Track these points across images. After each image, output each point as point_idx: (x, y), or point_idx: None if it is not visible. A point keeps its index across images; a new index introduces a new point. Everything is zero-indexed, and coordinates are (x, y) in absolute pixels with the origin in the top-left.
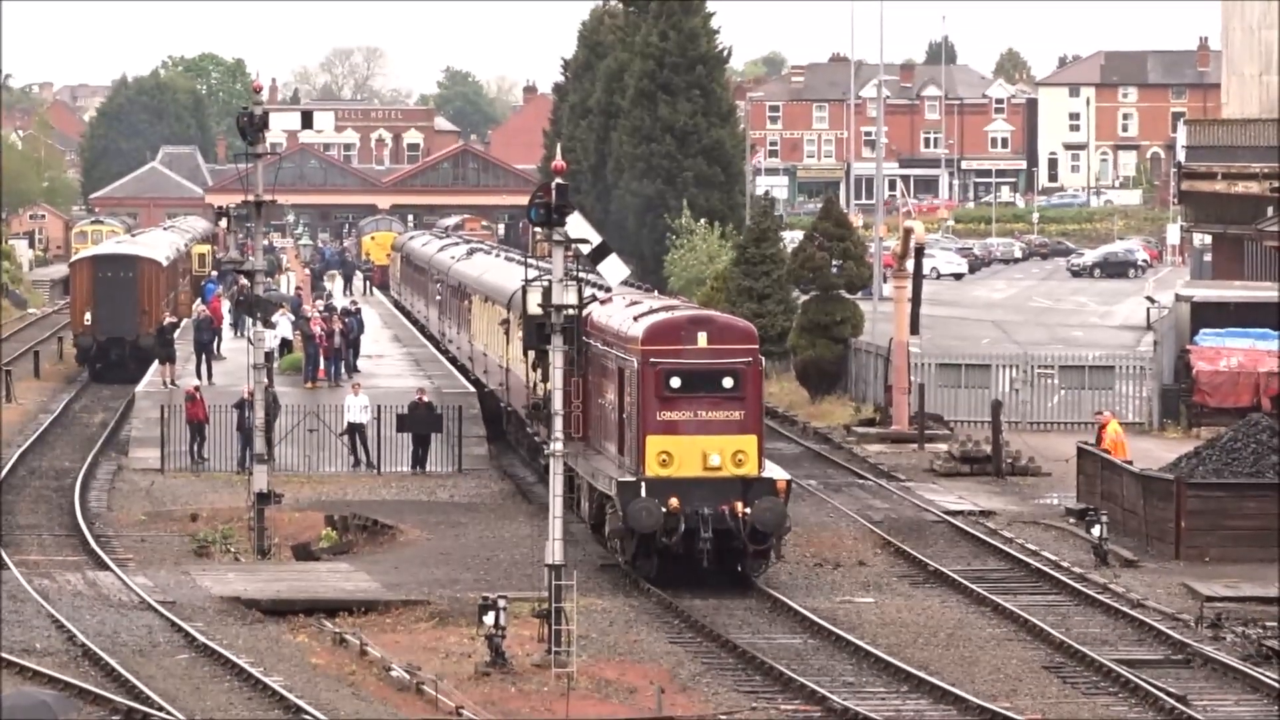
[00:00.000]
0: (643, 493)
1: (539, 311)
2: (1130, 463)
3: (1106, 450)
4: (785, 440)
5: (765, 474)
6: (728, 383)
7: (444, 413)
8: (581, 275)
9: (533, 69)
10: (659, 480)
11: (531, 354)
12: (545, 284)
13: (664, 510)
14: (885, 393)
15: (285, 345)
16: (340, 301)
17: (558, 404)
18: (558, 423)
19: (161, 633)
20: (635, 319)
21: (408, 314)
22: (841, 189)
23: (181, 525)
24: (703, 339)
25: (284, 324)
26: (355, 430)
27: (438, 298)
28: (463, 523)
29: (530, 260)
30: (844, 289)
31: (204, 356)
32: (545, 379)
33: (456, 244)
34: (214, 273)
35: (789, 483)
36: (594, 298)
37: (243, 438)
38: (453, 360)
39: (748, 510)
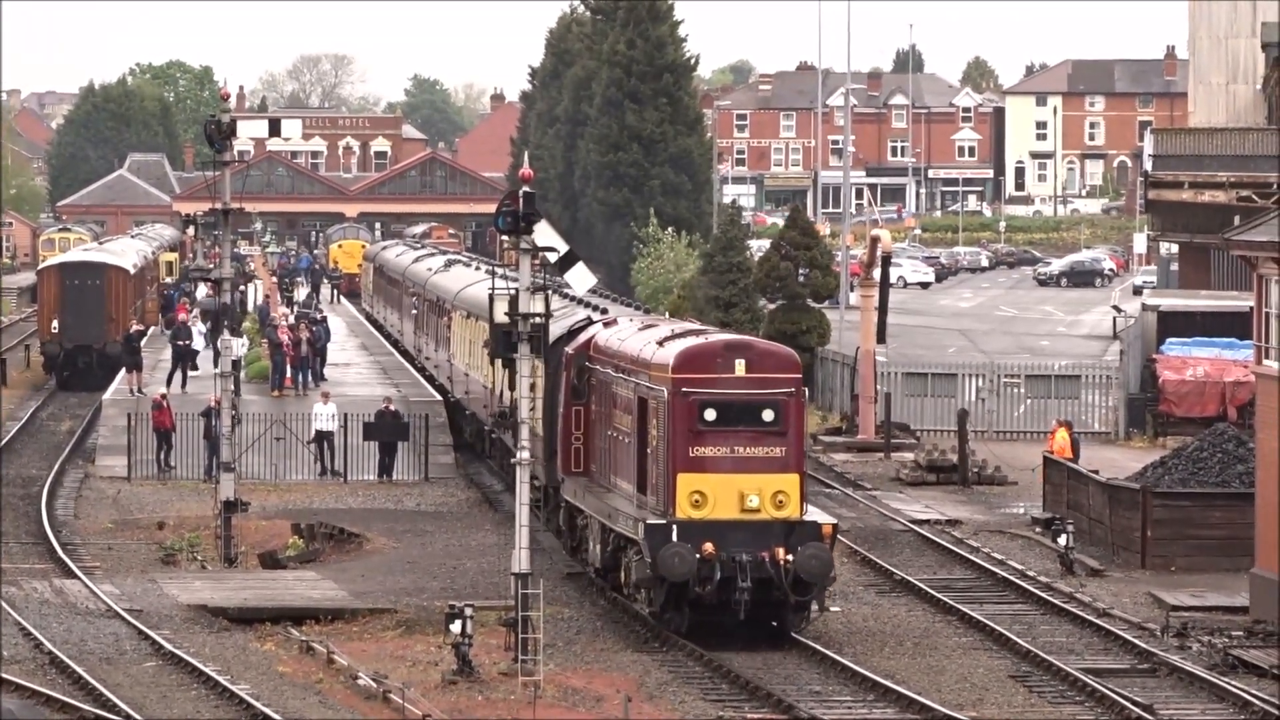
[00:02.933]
0: (674, 537)
1: (505, 320)
2: (1095, 471)
3: (1065, 456)
4: None
5: (808, 517)
6: (768, 415)
7: (410, 421)
8: (576, 296)
9: (500, 77)
10: (691, 523)
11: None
12: (511, 292)
13: (698, 556)
14: (852, 401)
15: (323, 440)
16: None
17: (524, 412)
18: (524, 431)
19: (128, 641)
20: (660, 343)
21: (380, 327)
22: (809, 197)
23: (148, 533)
24: (740, 367)
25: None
26: (323, 438)
27: (413, 311)
28: (429, 531)
29: (505, 271)
30: (810, 298)
31: (182, 364)
32: (512, 386)
33: (433, 254)
34: (170, 279)
35: (835, 527)
36: (590, 319)
37: (209, 446)
38: (422, 371)
39: (790, 557)
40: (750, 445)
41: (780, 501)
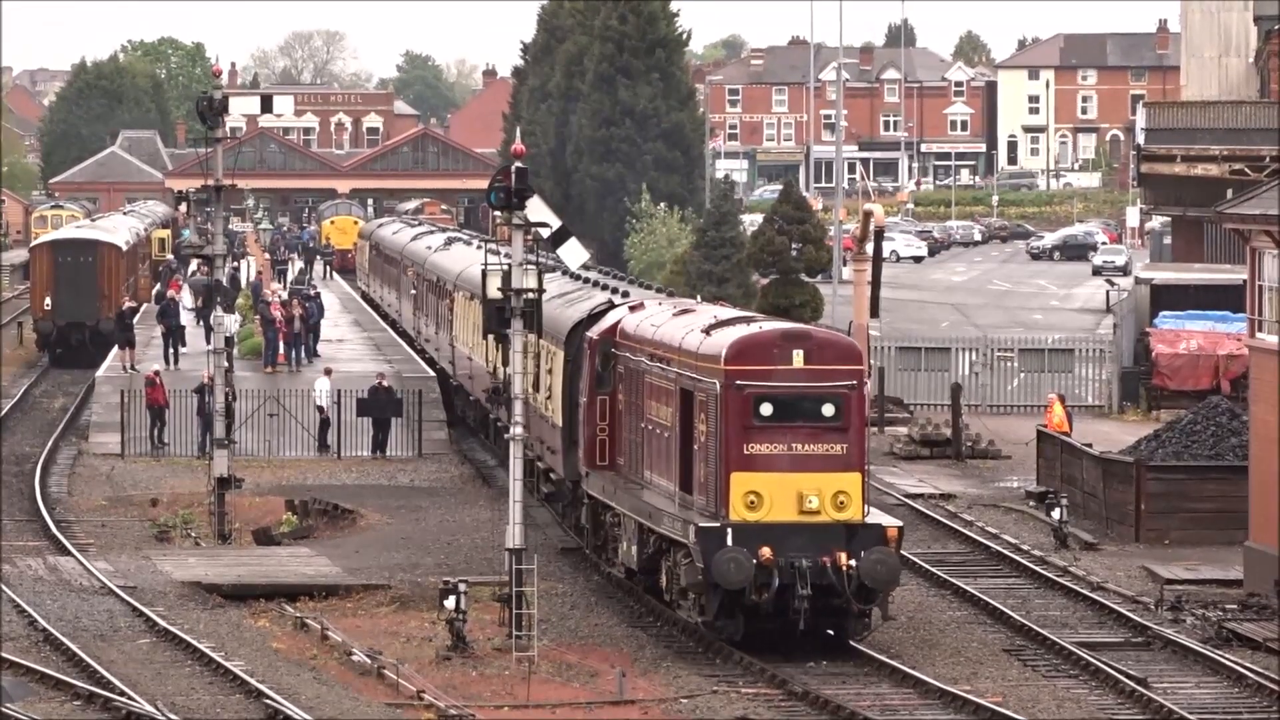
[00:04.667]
0: (729, 541)
1: (498, 295)
2: (1088, 445)
3: (1061, 430)
4: None
5: (871, 519)
6: (828, 410)
7: (404, 397)
8: (594, 279)
9: (492, 53)
10: (747, 526)
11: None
12: (505, 267)
13: (754, 562)
14: None
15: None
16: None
17: (517, 388)
18: (518, 406)
19: (123, 617)
20: (706, 331)
21: (376, 307)
22: (801, 172)
23: (142, 510)
24: (799, 358)
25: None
26: (324, 416)
27: (412, 291)
28: (423, 507)
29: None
30: (804, 273)
31: (172, 340)
32: (505, 363)
33: (432, 232)
34: (172, 256)
35: (900, 530)
36: (611, 303)
37: (203, 422)
38: (421, 354)
39: (853, 562)
40: (809, 442)
41: (841, 502)
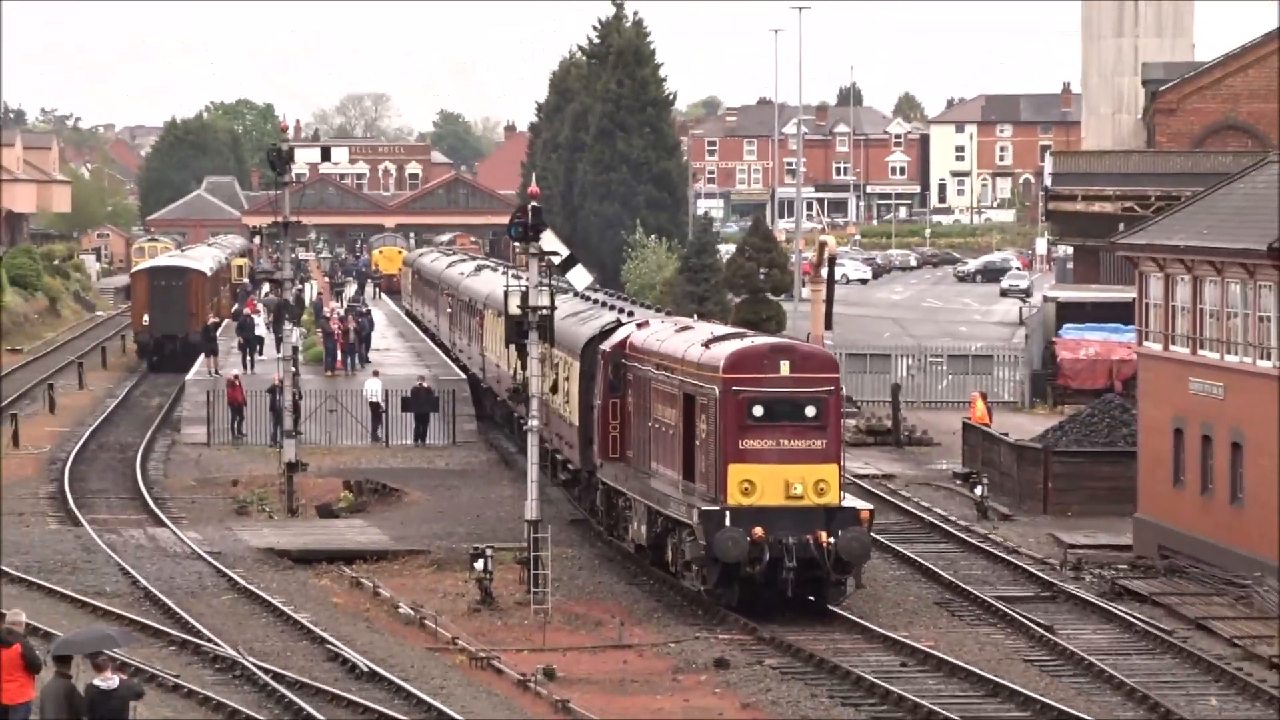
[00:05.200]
0: (727, 522)
1: (517, 312)
2: (1005, 434)
3: (983, 423)
4: None
5: (847, 503)
6: (810, 412)
7: (441, 396)
8: (605, 301)
9: (512, 111)
10: (743, 509)
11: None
12: (523, 289)
13: (749, 540)
14: None
15: (375, 410)
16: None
17: (534, 388)
18: (534, 403)
19: (209, 578)
20: (705, 345)
21: (418, 322)
22: (767, 209)
23: (224, 489)
24: (785, 367)
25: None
26: (374, 408)
27: (448, 310)
28: (456, 486)
29: (536, 275)
30: (770, 292)
31: (248, 349)
32: (524, 367)
33: (464, 260)
34: (247, 280)
35: (871, 512)
36: (619, 321)
37: (274, 417)
38: (455, 362)
39: (832, 540)
40: (794, 438)
41: (821, 489)
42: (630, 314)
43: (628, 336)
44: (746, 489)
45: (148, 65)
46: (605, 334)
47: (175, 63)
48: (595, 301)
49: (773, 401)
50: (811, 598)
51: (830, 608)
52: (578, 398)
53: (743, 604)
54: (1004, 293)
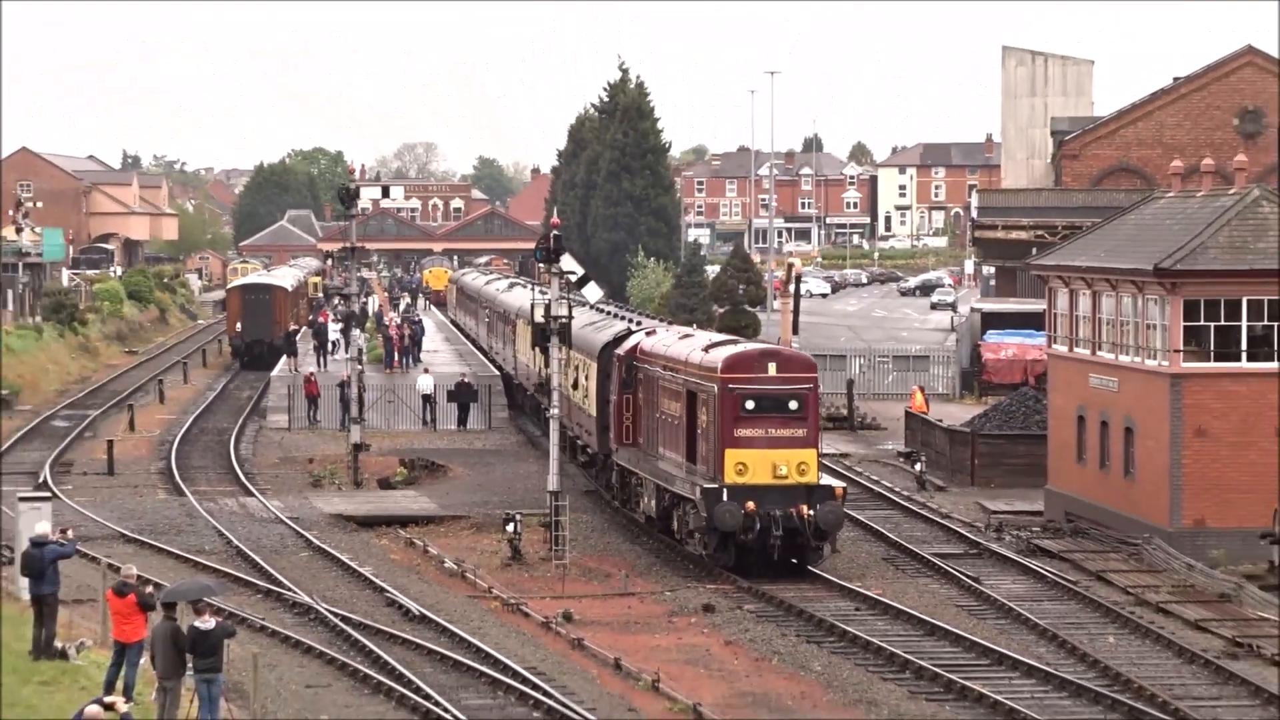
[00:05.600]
0: (725, 498)
1: (542, 319)
2: (940, 420)
3: (922, 411)
4: None
5: (824, 481)
6: (793, 405)
7: (479, 389)
8: (616, 312)
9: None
10: (737, 487)
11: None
12: (547, 300)
13: (743, 512)
14: None
15: (426, 400)
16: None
17: (555, 382)
18: (555, 395)
19: (289, 538)
20: (705, 349)
21: (461, 330)
22: (745, 237)
23: (302, 466)
24: (772, 368)
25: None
26: (426, 399)
27: (486, 320)
28: (491, 463)
29: (562, 290)
30: (748, 304)
31: (323, 352)
32: (547, 365)
33: (499, 279)
34: (321, 294)
35: (845, 489)
36: (629, 330)
37: (343, 406)
38: (492, 363)
39: (812, 512)
40: (780, 428)
41: (803, 470)
42: (639, 323)
43: (638, 342)
44: (740, 470)
45: (240, 118)
46: (619, 340)
47: (264, 119)
48: (607, 313)
49: (762, 396)
50: (794, 560)
51: (809, 568)
52: (595, 393)
53: (737, 566)
54: (934, 306)
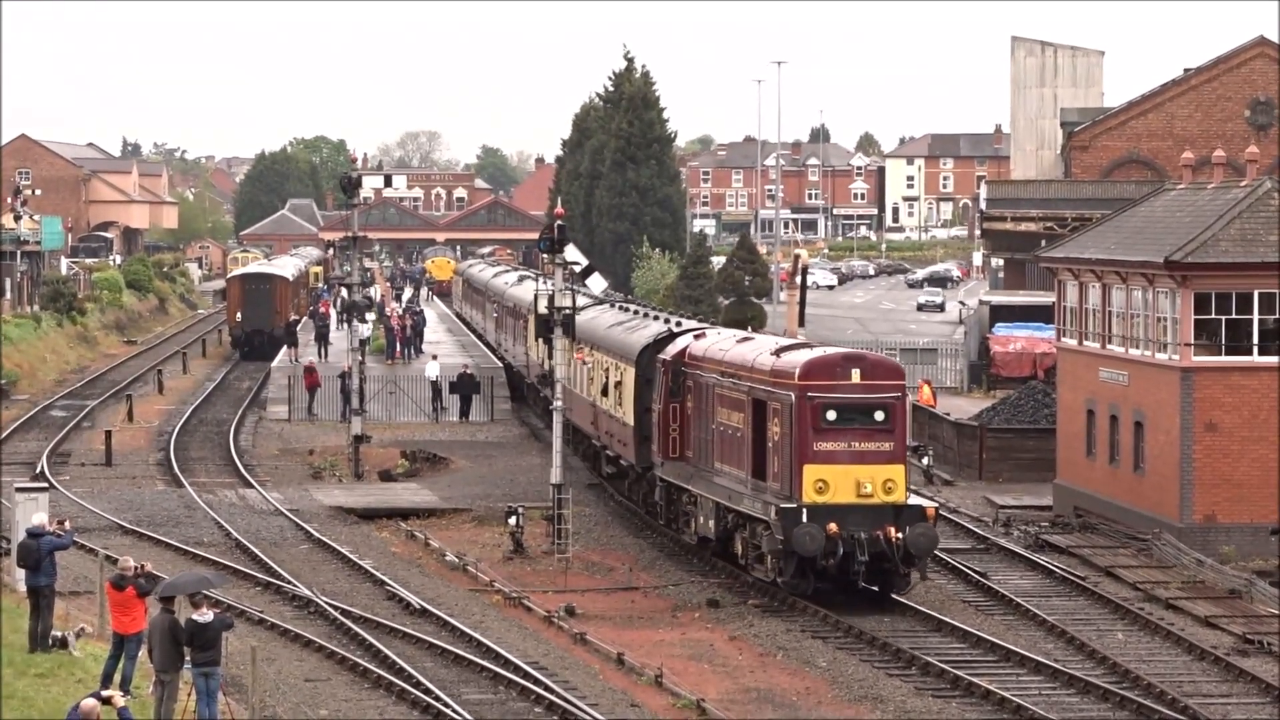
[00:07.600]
0: (804, 519)
1: (546, 311)
2: (947, 414)
3: (929, 404)
4: None
5: (912, 501)
6: (879, 416)
7: (481, 381)
8: (647, 311)
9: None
10: (818, 507)
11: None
12: (550, 291)
13: (824, 535)
14: None
15: (435, 388)
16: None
17: (559, 373)
18: (558, 388)
19: (289, 531)
20: (776, 354)
21: (467, 323)
22: (751, 228)
23: (302, 458)
24: (856, 375)
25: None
26: (434, 386)
27: (494, 315)
28: (494, 455)
29: (567, 282)
30: (753, 296)
31: (323, 342)
32: (550, 357)
33: (508, 271)
34: (322, 284)
35: (937, 509)
36: (671, 331)
37: (343, 397)
38: (501, 360)
39: (901, 535)
40: (864, 441)
41: (889, 488)
42: (678, 323)
43: (686, 346)
44: (820, 488)
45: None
46: (660, 343)
47: (264, 104)
48: (636, 312)
49: (844, 406)
50: (875, 588)
51: (893, 596)
52: (633, 401)
53: (815, 593)
54: (920, 307)
